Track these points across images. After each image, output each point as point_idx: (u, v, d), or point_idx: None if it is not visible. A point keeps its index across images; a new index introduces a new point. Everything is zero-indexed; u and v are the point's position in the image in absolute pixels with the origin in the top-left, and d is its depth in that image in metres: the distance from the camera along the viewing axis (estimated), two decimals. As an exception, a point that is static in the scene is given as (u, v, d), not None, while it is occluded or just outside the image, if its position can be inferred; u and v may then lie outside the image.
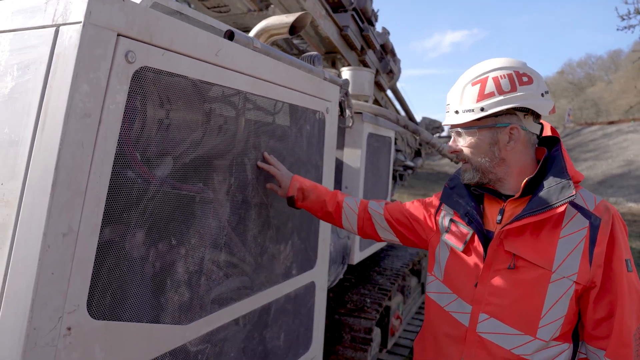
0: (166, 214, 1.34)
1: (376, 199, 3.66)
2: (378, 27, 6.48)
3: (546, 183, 1.34)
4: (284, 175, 1.80)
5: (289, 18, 2.24)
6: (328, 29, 4.81)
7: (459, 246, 1.48)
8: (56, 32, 1.08)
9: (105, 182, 1.13)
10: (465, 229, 1.49)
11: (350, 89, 3.39)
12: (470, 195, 1.52)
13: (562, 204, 1.28)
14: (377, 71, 6.39)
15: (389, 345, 3.77)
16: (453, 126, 1.46)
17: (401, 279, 3.84)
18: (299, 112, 2.03)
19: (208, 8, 4.80)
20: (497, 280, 1.38)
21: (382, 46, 6.42)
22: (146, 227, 1.28)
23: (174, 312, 1.41)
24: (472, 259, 1.45)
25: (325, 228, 2.36)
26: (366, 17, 5.67)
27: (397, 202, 1.84)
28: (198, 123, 1.45)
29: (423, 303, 5.01)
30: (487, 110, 1.34)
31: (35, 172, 1.03)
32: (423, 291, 5.33)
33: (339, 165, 3.12)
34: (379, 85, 6.66)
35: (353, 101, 3.15)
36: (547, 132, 1.49)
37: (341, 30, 5.12)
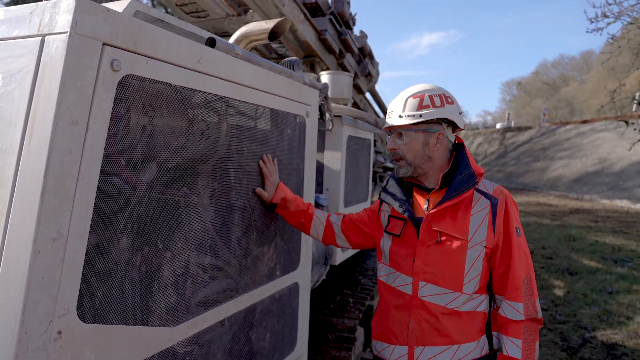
0: (152, 219, 1.37)
1: (356, 200, 3.72)
2: (356, 30, 6.56)
3: (457, 176, 1.78)
4: (272, 183, 1.99)
5: (268, 24, 2.29)
6: (307, 33, 4.86)
7: (397, 233, 1.88)
8: (42, 42, 1.10)
9: (93, 188, 1.15)
10: (400, 219, 1.90)
11: (329, 93, 3.44)
12: (403, 191, 1.93)
13: (469, 189, 1.75)
14: (355, 74, 6.47)
15: (373, 344, 3.83)
16: (395, 127, 1.85)
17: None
18: (280, 116, 2.08)
19: (186, 13, 4.80)
20: (429, 254, 1.79)
21: (360, 49, 6.50)
22: (133, 231, 1.31)
23: (162, 315, 1.43)
24: (408, 241, 1.85)
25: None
26: (344, 21, 5.74)
27: (350, 214, 2.22)
28: (182, 129, 1.48)
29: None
30: (424, 117, 1.78)
31: (23, 180, 1.05)
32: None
33: (320, 168, 3.17)
34: (357, 88, 6.73)
35: (332, 104, 3.20)
36: (459, 140, 1.96)
37: (319, 34, 5.18)
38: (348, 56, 6.06)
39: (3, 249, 1.05)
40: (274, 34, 2.31)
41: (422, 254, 1.79)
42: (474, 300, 1.80)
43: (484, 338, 1.85)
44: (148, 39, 1.29)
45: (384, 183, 2.04)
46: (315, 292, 3.61)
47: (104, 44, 1.15)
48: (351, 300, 3.23)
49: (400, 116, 1.81)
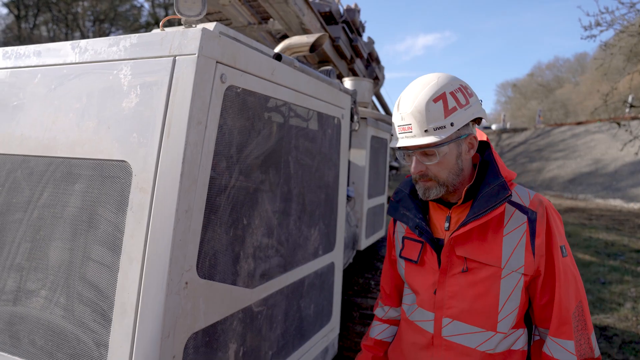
0: (240, 200, 1.72)
1: (376, 193, 4.08)
2: (364, 37, 6.92)
3: (484, 188, 1.43)
4: None
5: (309, 38, 2.64)
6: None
7: (414, 259, 1.58)
8: (174, 61, 1.45)
9: (207, 173, 1.50)
10: (416, 242, 1.59)
11: (351, 96, 3.79)
12: (416, 206, 1.61)
13: (500, 205, 1.38)
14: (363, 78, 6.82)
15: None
16: (423, 146, 1.40)
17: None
18: (324, 118, 2.43)
19: (210, 21, 5.14)
20: (453, 285, 1.47)
21: (369, 55, 6.86)
22: (229, 209, 1.65)
23: (245, 278, 1.78)
24: (427, 269, 1.55)
25: (341, 215, 2.75)
26: (355, 28, 6.10)
27: (382, 284, 1.98)
28: (260, 128, 1.82)
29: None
30: (456, 125, 1.37)
31: (164, 166, 1.40)
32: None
33: (347, 164, 3.53)
34: (366, 91, 7.08)
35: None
36: (482, 136, 1.58)
37: (333, 41, 5.54)
38: (358, 61, 6.42)
39: (150, 218, 1.39)
40: (313, 47, 2.66)
41: (445, 284, 1.49)
42: (510, 337, 1.46)
43: None
44: (242, 57, 1.64)
45: (393, 196, 1.74)
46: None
47: (216, 62, 1.50)
48: (372, 283, 3.57)
49: (425, 130, 1.38)
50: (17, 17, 30.33)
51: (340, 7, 5.91)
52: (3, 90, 1.77)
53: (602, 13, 9.73)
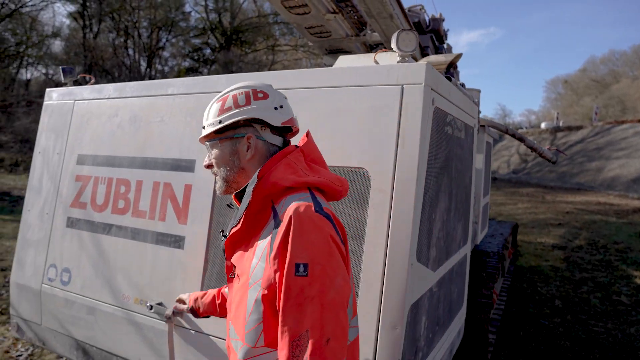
0: (434, 199, 2.10)
1: (486, 192, 4.41)
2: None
3: (245, 191, 1.40)
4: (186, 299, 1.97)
5: (447, 58, 3.00)
6: (416, 51, 5.56)
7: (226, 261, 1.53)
8: (402, 89, 1.84)
9: (424, 178, 1.88)
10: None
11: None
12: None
13: (247, 208, 1.34)
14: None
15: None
16: (201, 140, 1.53)
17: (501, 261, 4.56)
18: (467, 127, 2.78)
19: (311, 34, 5.58)
20: (231, 289, 1.48)
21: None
22: (428, 206, 2.03)
23: (432, 262, 2.15)
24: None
25: (472, 212, 3.10)
26: (440, 37, 6.40)
27: None
28: (443, 139, 2.20)
29: (505, 281, 5.68)
30: (224, 122, 1.43)
31: (401, 172, 1.79)
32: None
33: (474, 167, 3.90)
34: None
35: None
36: (302, 141, 1.52)
37: (422, 50, 5.86)
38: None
39: (391, 213, 1.78)
40: (450, 65, 3.01)
41: (230, 288, 1.51)
42: (260, 356, 1.32)
43: None
44: (442, 84, 2.02)
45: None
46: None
47: (431, 89, 1.88)
48: (483, 274, 3.88)
49: (204, 127, 1.51)
50: (83, 27, 32.22)
51: (426, 16, 6.23)
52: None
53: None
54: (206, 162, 1.53)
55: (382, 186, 1.82)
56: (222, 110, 1.45)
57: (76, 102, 3.02)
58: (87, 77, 3.27)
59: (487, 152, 4.09)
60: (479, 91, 4.28)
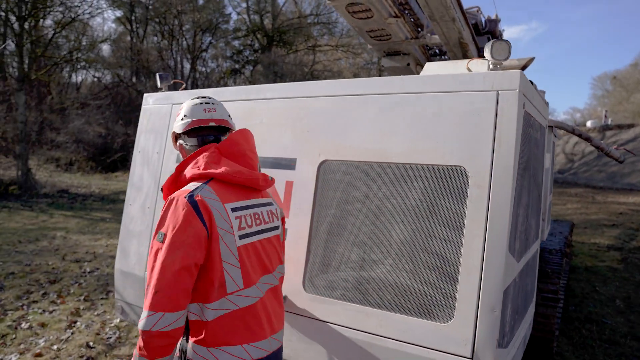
0: (520, 193, 2.25)
1: (551, 190, 4.50)
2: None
3: None
4: None
5: (520, 62, 3.13)
6: (473, 52, 5.66)
7: None
8: (497, 94, 2.02)
9: (516, 176, 2.05)
10: None
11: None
12: None
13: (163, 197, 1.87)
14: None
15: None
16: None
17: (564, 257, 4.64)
18: (541, 127, 2.92)
19: (371, 37, 5.77)
20: None
21: (503, 60, 7.18)
22: (518, 199, 2.19)
23: (516, 252, 2.31)
24: None
25: (542, 208, 3.22)
26: (495, 38, 6.47)
27: None
28: (527, 139, 2.35)
29: (562, 280, 5.70)
30: (171, 129, 1.97)
31: (498, 170, 1.97)
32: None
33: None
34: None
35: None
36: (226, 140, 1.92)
37: (479, 51, 5.95)
38: (495, 67, 6.78)
39: (489, 207, 1.96)
40: (523, 69, 3.15)
41: None
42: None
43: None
44: (530, 89, 2.18)
45: None
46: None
47: (523, 94, 2.05)
48: (549, 270, 3.98)
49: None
50: (131, 31, 33.48)
51: (482, 17, 6.32)
52: (335, 114, 2.45)
53: None
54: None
55: (480, 182, 2.00)
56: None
57: (174, 105, 3.32)
58: (179, 82, 3.58)
59: (553, 152, 4.19)
60: (544, 92, 4.37)
